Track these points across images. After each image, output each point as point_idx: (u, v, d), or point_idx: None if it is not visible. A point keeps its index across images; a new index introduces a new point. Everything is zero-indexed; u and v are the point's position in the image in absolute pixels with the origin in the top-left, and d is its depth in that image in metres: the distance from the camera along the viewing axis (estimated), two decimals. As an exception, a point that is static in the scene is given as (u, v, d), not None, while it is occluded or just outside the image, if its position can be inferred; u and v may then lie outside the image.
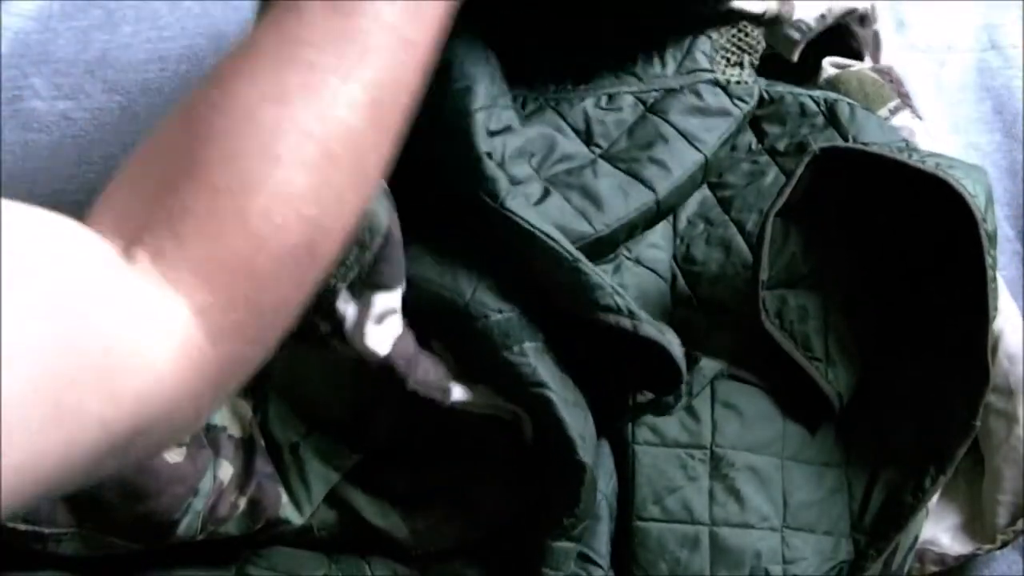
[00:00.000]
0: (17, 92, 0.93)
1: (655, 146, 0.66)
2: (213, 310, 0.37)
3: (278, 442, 0.61)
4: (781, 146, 0.70)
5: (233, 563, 0.61)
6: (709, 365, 0.64)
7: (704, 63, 0.70)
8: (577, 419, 0.58)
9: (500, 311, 0.58)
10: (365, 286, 0.55)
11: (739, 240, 0.68)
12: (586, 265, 0.59)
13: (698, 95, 0.68)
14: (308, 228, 0.39)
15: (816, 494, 0.65)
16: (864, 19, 0.76)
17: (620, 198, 0.64)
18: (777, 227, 0.63)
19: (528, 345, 0.58)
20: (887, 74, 0.78)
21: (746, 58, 0.70)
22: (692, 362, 0.64)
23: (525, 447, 0.61)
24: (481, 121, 0.61)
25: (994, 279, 0.61)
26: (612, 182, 0.64)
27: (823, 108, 0.71)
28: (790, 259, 0.65)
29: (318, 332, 0.56)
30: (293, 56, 0.40)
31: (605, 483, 0.63)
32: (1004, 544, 0.68)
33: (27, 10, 0.95)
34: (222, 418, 0.60)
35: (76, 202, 0.88)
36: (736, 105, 0.69)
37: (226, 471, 0.58)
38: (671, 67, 0.69)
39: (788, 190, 0.61)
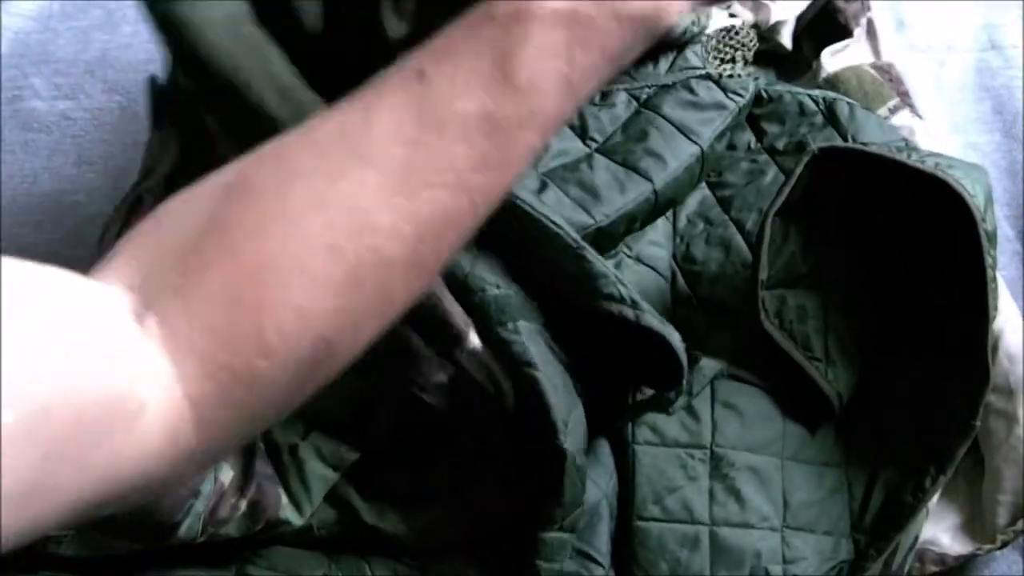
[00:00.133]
0: (17, 92, 0.93)
1: (650, 139, 0.66)
2: (207, 402, 0.37)
3: (277, 444, 0.61)
4: (780, 145, 0.70)
5: (233, 563, 0.61)
6: (709, 365, 0.64)
7: (696, 62, 0.70)
8: (563, 404, 0.57)
9: (498, 286, 0.58)
10: None
11: (739, 239, 0.68)
12: (590, 253, 0.59)
13: (691, 90, 0.69)
14: (319, 347, 0.38)
15: (816, 494, 0.65)
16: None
17: (617, 189, 0.64)
18: (776, 227, 0.63)
19: (522, 324, 0.58)
20: (887, 72, 0.78)
21: (738, 54, 0.70)
22: (692, 362, 0.64)
23: (521, 445, 0.61)
24: None
25: (994, 279, 0.61)
26: (608, 175, 0.65)
27: (822, 107, 0.71)
28: (789, 259, 0.65)
29: None
30: (347, 168, 0.38)
31: (605, 483, 0.63)
32: (1004, 544, 0.68)
33: (27, 10, 0.95)
34: (222, 420, 0.60)
35: (76, 202, 0.89)
36: (731, 98, 0.69)
37: (227, 473, 0.58)
38: (663, 66, 0.70)
39: (787, 190, 0.61)
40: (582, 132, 0.68)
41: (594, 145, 0.67)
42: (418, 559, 0.63)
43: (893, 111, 0.75)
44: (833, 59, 0.77)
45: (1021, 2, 0.90)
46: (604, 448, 0.64)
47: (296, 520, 0.60)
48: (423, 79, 0.38)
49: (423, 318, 0.57)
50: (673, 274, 0.68)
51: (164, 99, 0.66)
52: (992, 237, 0.60)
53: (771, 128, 0.71)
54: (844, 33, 0.77)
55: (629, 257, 0.68)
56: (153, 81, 0.66)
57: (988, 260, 0.59)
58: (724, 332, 0.66)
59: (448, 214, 0.39)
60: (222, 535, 0.58)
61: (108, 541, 0.57)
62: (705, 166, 0.68)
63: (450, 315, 0.57)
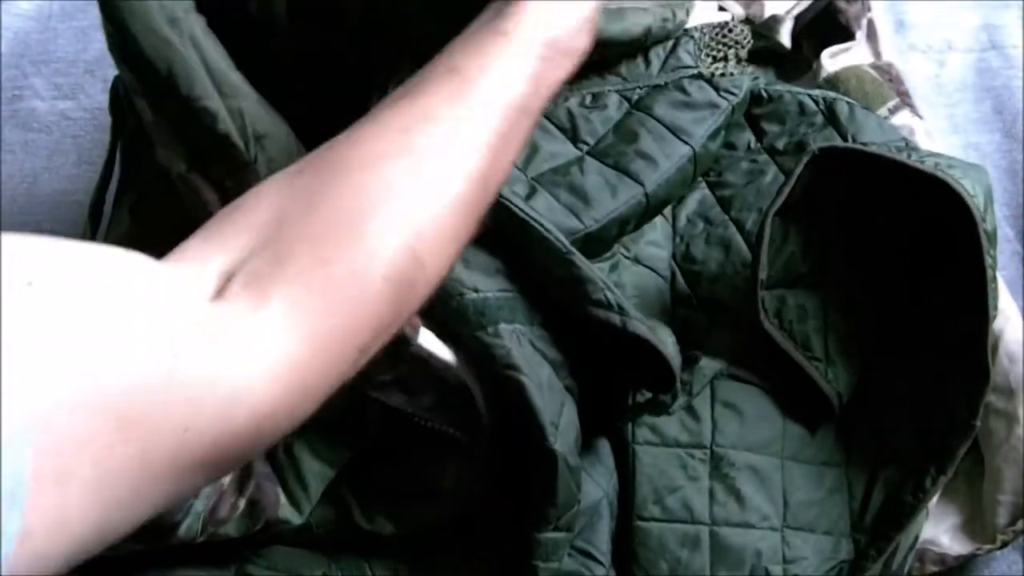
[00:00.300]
0: (17, 92, 0.93)
1: (641, 140, 0.66)
2: (308, 319, 0.39)
3: (273, 443, 0.61)
4: (780, 145, 0.70)
5: (233, 563, 0.61)
6: (709, 365, 0.64)
7: (688, 60, 0.69)
8: (551, 405, 0.57)
9: (476, 290, 0.58)
10: None
11: (738, 239, 0.68)
12: (578, 258, 0.58)
13: (683, 90, 0.68)
14: (409, 266, 0.42)
15: (816, 494, 0.65)
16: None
17: (607, 193, 0.64)
18: (776, 226, 0.63)
19: (503, 327, 0.57)
20: (887, 72, 0.77)
21: (730, 52, 0.70)
22: (692, 362, 0.64)
23: (509, 446, 0.60)
24: None
25: (994, 279, 0.61)
26: (599, 178, 0.64)
27: (822, 107, 0.71)
28: (789, 258, 0.65)
29: None
30: (413, 126, 0.44)
31: (606, 482, 0.63)
32: (1004, 544, 0.68)
33: (27, 10, 0.95)
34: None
35: (76, 202, 0.88)
36: (723, 97, 0.68)
37: (226, 473, 0.58)
38: (655, 65, 0.69)
39: (787, 189, 0.61)
40: (573, 135, 0.67)
41: (585, 148, 0.67)
42: (418, 559, 0.63)
43: (893, 111, 0.75)
44: (833, 60, 0.77)
45: (1021, 2, 0.90)
46: (604, 448, 0.64)
47: (295, 519, 0.60)
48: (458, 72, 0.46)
49: None
50: (673, 274, 0.68)
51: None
52: (992, 237, 0.60)
53: (771, 128, 0.71)
54: (846, 35, 0.77)
55: (627, 258, 0.67)
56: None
57: (988, 260, 0.59)
58: (724, 332, 0.66)
59: (496, 165, 0.46)
60: (221, 535, 0.58)
61: (108, 541, 0.57)
62: (698, 166, 0.68)
63: None
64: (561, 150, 0.66)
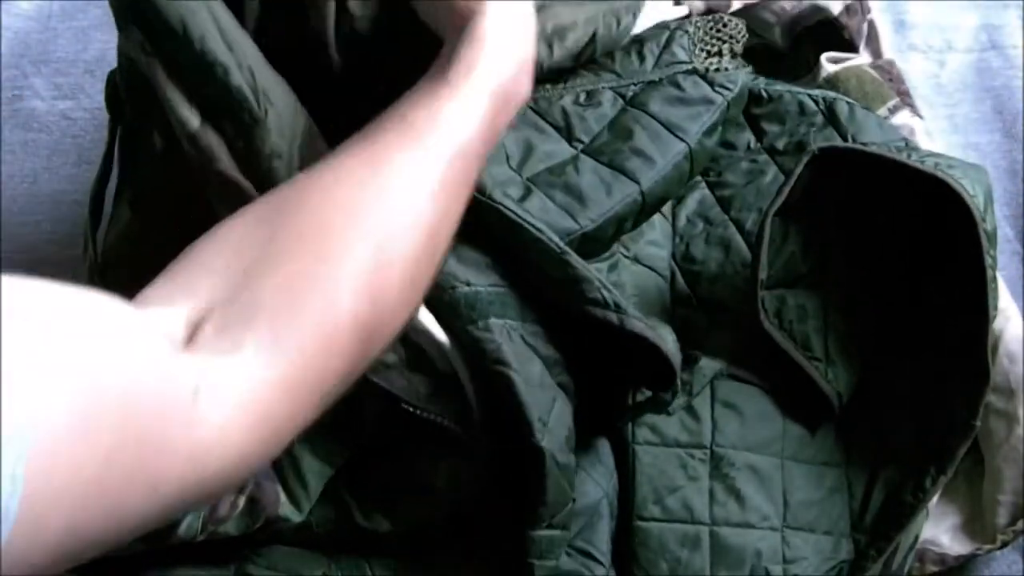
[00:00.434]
0: (17, 92, 0.93)
1: (636, 137, 0.65)
2: (279, 366, 0.40)
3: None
4: (780, 145, 0.70)
5: (233, 562, 0.61)
6: (709, 365, 0.64)
7: (682, 56, 0.69)
8: (540, 402, 0.57)
9: (468, 284, 0.58)
10: None
11: (738, 239, 0.68)
12: (574, 258, 0.58)
13: (677, 86, 0.68)
14: (371, 323, 0.44)
15: (816, 494, 0.65)
16: (849, 8, 0.76)
17: (603, 192, 0.63)
18: (776, 226, 0.63)
19: (494, 321, 0.57)
20: (887, 71, 0.77)
21: (725, 47, 0.70)
22: (692, 362, 0.64)
23: (502, 443, 0.60)
24: None
25: (994, 279, 0.61)
26: (594, 177, 0.64)
27: (822, 107, 0.71)
28: (789, 258, 0.65)
29: None
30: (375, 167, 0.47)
31: (606, 482, 0.63)
32: (1004, 544, 0.68)
33: (27, 10, 0.95)
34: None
35: (76, 202, 0.88)
36: (718, 92, 0.68)
37: (226, 471, 0.58)
38: (650, 61, 0.69)
39: (787, 189, 0.61)
40: (568, 134, 0.66)
41: (580, 146, 0.66)
42: (418, 559, 0.63)
43: (893, 111, 0.75)
44: (833, 63, 0.77)
45: (1021, 2, 0.90)
46: (604, 448, 0.64)
47: (295, 517, 0.60)
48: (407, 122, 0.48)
49: None
50: (672, 274, 0.68)
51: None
52: (992, 237, 0.60)
53: (771, 128, 0.71)
54: (849, 48, 0.77)
55: (627, 258, 0.67)
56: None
57: (988, 260, 0.59)
58: (724, 332, 0.66)
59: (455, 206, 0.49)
60: (221, 533, 0.58)
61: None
62: (695, 163, 0.67)
63: None
64: (556, 149, 0.65)
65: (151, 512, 0.36)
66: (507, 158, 0.64)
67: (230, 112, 0.57)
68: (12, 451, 0.30)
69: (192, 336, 0.40)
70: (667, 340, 0.58)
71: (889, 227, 0.67)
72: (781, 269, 0.65)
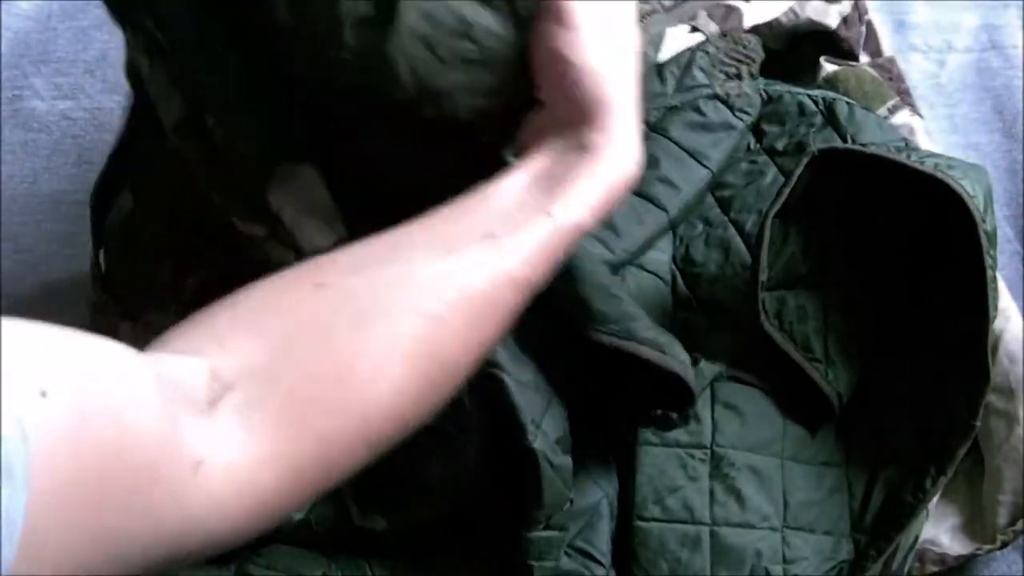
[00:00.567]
0: (17, 92, 0.93)
1: (661, 165, 0.66)
2: (290, 455, 0.39)
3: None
4: (780, 146, 0.70)
5: (233, 562, 0.61)
6: (709, 367, 0.64)
7: (702, 79, 0.69)
8: (533, 405, 0.56)
9: None
10: None
11: (738, 241, 0.68)
12: (624, 294, 0.59)
13: (699, 111, 0.68)
14: (400, 426, 0.43)
15: (816, 494, 0.65)
16: (847, 20, 0.76)
17: (635, 222, 0.64)
18: (776, 228, 0.63)
19: None
20: (887, 70, 0.77)
21: (744, 69, 0.70)
22: (692, 364, 0.64)
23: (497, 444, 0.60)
24: None
25: (994, 279, 0.61)
26: (625, 206, 0.64)
27: (822, 107, 0.71)
28: (789, 259, 0.65)
29: None
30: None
31: (606, 482, 0.63)
32: (1004, 544, 0.68)
33: (27, 10, 0.95)
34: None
35: (76, 202, 0.88)
36: (738, 118, 0.69)
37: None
38: (671, 84, 0.69)
39: (787, 191, 0.61)
40: None
41: None
42: (418, 559, 0.63)
43: (893, 110, 0.75)
44: (830, 59, 0.77)
45: (1021, 2, 0.90)
46: (604, 448, 0.64)
47: (295, 515, 0.60)
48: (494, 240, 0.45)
49: None
50: (673, 276, 0.68)
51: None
52: (992, 237, 0.60)
53: (771, 129, 0.71)
54: (849, 56, 0.77)
55: (632, 265, 0.67)
56: None
57: (988, 260, 0.59)
58: (724, 333, 0.66)
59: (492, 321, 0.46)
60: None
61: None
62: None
63: None
64: None
65: (140, 570, 0.35)
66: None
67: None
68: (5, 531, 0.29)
69: (215, 400, 0.38)
70: (691, 375, 0.58)
71: (889, 227, 0.67)
72: (781, 270, 0.65)
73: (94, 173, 0.89)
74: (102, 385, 0.34)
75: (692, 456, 0.64)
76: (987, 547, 0.68)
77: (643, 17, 0.63)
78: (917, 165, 0.59)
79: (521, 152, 0.50)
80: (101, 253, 0.67)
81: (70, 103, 0.92)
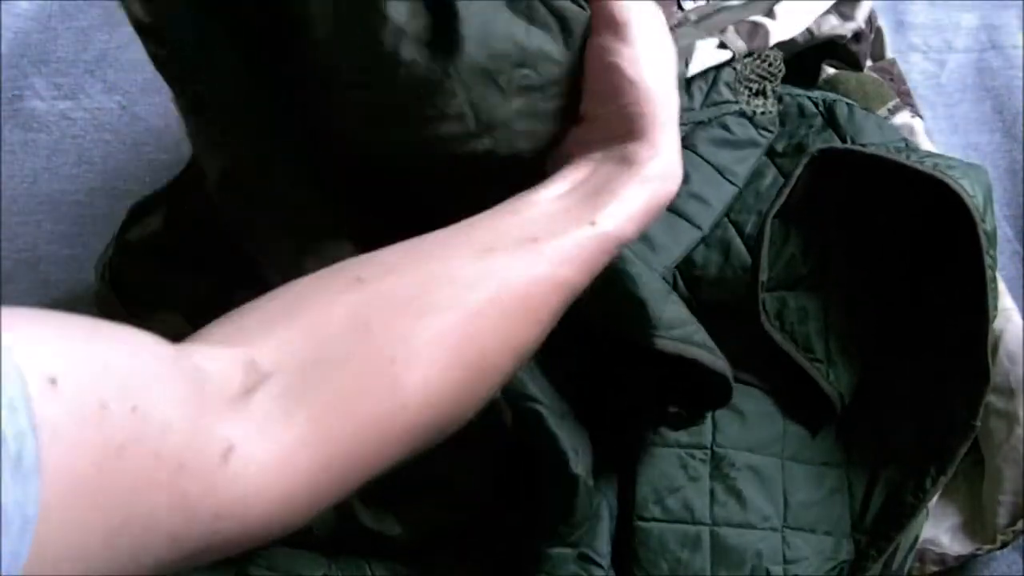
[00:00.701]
0: (17, 92, 0.93)
1: (692, 182, 0.66)
2: (324, 449, 0.39)
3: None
4: (780, 147, 0.70)
5: (233, 563, 0.61)
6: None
7: (728, 95, 0.69)
8: (569, 432, 0.57)
9: None
10: None
11: (738, 242, 0.68)
12: (676, 297, 0.59)
13: (726, 128, 0.68)
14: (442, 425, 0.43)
15: (817, 494, 0.65)
16: (859, 36, 0.75)
17: (670, 238, 0.65)
18: (776, 228, 0.63)
19: None
20: (888, 71, 0.77)
21: (768, 86, 0.70)
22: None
23: (498, 430, 0.60)
24: None
25: (994, 279, 0.61)
26: (661, 223, 0.64)
27: (822, 109, 0.71)
28: (789, 260, 0.65)
29: None
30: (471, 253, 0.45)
31: (606, 483, 0.63)
32: (1004, 544, 0.68)
33: (27, 10, 0.95)
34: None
35: (76, 202, 0.88)
36: (762, 135, 0.69)
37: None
38: (698, 99, 0.69)
39: (787, 192, 0.61)
40: None
41: None
42: (417, 560, 0.63)
43: (893, 111, 0.75)
44: (832, 64, 0.77)
45: (1021, 2, 0.90)
46: (604, 450, 0.64)
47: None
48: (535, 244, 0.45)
49: None
50: (674, 278, 0.68)
51: None
52: (992, 237, 0.60)
53: (771, 130, 0.71)
54: (856, 68, 0.77)
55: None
56: None
57: (988, 260, 0.59)
58: (725, 335, 0.66)
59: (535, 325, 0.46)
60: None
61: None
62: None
63: None
64: None
65: (166, 562, 0.34)
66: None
67: None
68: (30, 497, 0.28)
69: (250, 389, 0.38)
70: (730, 375, 0.58)
71: (889, 228, 0.67)
72: (781, 271, 0.65)
73: (94, 173, 0.90)
74: (119, 371, 0.33)
75: (693, 456, 0.64)
76: (987, 547, 0.68)
77: (671, 30, 0.63)
78: (917, 165, 0.59)
79: (561, 164, 0.51)
80: (111, 257, 0.67)
81: (70, 103, 0.92)
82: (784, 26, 0.70)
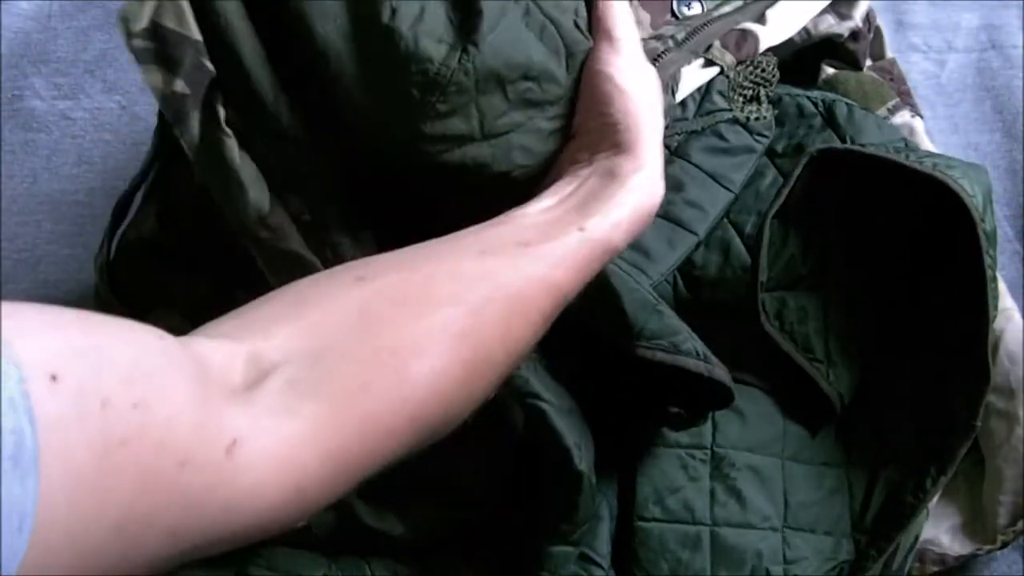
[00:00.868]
0: (17, 92, 0.93)
1: (687, 189, 0.66)
2: (331, 441, 0.39)
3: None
4: (779, 148, 0.70)
5: (233, 563, 0.61)
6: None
7: (722, 103, 0.69)
8: (572, 428, 0.57)
9: None
10: None
11: (738, 243, 0.67)
12: (666, 308, 0.59)
13: (720, 136, 0.68)
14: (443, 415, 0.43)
15: (817, 494, 0.65)
16: (857, 35, 0.75)
17: (665, 245, 0.65)
18: (776, 229, 0.63)
19: None
20: (888, 71, 0.77)
21: (762, 91, 0.70)
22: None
23: (509, 431, 0.60)
24: None
25: (994, 279, 0.61)
26: (655, 231, 0.65)
27: (821, 109, 0.71)
28: (789, 260, 0.65)
29: None
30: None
31: (606, 484, 0.63)
32: (1004, 544, 0.68)
33: (27, 10, 0.95)
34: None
35: (76, 202, 0.88)
36: (757, 140, 0.69)
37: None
38: (691, 109, 0.69)
39: (786, 192, 0.61)
40: None
41: None
42: (418, 560, 0.63)
43: (893, 111, 0.75)
44: (832, 64, 0.77)
45: (1021, 2, 0.90)
46: (604, 450, 0.64)
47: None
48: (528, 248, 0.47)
49: None
50: (675, 279, 0.68)
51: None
52: (991, 237, 0.60)
53: (770, 131, 0.71)
54: (855, 67, 0.77)
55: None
56: None
57: (987, 260, 0.59)
58: (725, 335, 0.66)
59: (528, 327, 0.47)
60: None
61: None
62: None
63: None
64: None
65: (167, 556, 0.35)
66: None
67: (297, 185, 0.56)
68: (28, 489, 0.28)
69: (254, 383, 0.38)
70: (729, 376, 0.58)
71: (889, 227, 0.67)
72: (781, 271, 0.65)
73: (94, 173, 0.90)
74: (121, 366, 0.33)
75: (693, 456, 0.64)
76: (987, 547, 0.68)
77: (656, 58, 0.63)
78: (916, 165, 0.59)
79: (551, 184, 0.53)
80: (110, 257, 0.67)
81: (70, 103, 0.92)
82: (774, 31, 0.70)
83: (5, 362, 0.29)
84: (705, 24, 0.67)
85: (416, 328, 0.42)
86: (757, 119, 0.69)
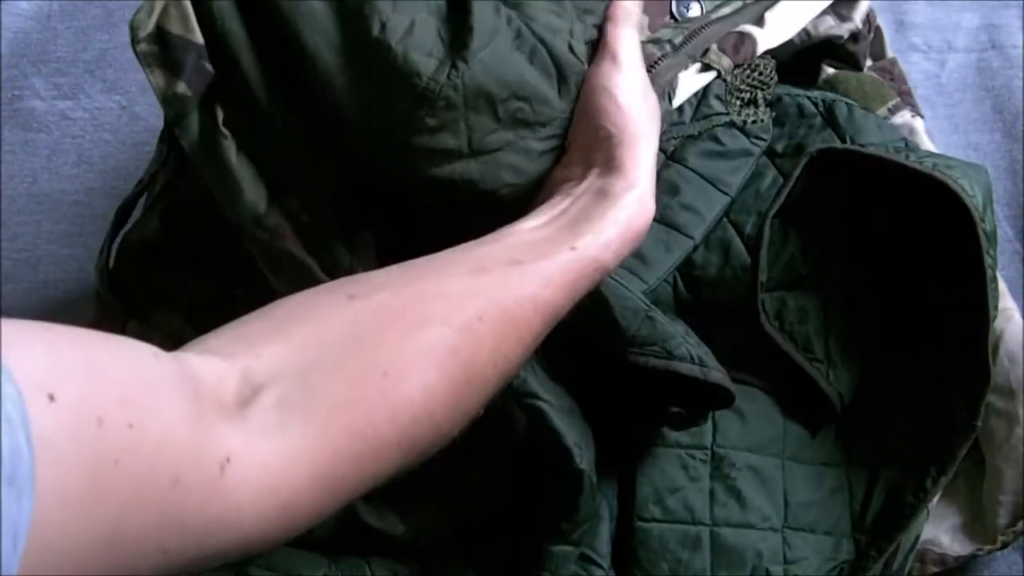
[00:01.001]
0: (17, 92, 0.93)
1: (683, 193, 0.66)
2: (321, 460, 0.39)
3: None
4: (779, 148, 0.70)
5: (233, 563, 0.61)
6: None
7: (718, 107, 0.69)
8: (573, 427, 0.57)
9: None
10: None
11: (738, 243, 0.67)
12: (658, 314, 0.59)
13: (716, 140, 0.68)
14: (432, 431, 0.44)
15: (817, 494, 0.65)
16: (856, 36, 0.75)
17: (661, 249, 0.65)
18: (776, 229, 0.63)
19: None
20: (888, 71, 0.77)
21: (759, 94, 0.70)
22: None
23: (510, 432, 0.60)
24: None
25: (994, 279, 0.61)
26: (651, 235, 0.64)
27: (821, 109, 0.71)
28: (789, 260, 0.65)
29: None
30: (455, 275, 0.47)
31: (606, 484, 0.63)
32: (1005, 545, 0.67)
33: (27, 10, 0.95)
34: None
35: (76, 202, 0.88)
36: (755, 144, 0.69)
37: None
38: (688, 113, 0.69)
39: (786, 192, 0.61)
40: None
41: None
42: (418, 560, 0.63)
43: (893, 111, 0.75)
44: (832, 64, 0.76)
45: (1021, 2, 0.90)
46: (604, 449, 0.64)
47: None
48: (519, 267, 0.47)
49: None
50: (675, 280, 0.68)
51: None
52: (991, 237, 0.60)
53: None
54: (855, 67, 0.77)
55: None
56: None
57: (988, 260, 0.59)
58: (725, 335, 0.66)
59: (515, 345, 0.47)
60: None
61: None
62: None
63: None
64: None
65: (159, 573, 0.35)
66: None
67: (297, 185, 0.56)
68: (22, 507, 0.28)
69: (246, 400, 0.38)
70: (727, 378, 0.59)
71: (889, 227, 0.67)
72: (781, 271, 0.65)
73: (94, 173, 0.90)
74: (117, 384, 0.33)
75: (693, 457, 0.64)
76: (987, 547, 0.68)
77: (652, 65, 0.63)
78: (916, 165, 0.59)
79: (542, 199, 0.53)
80: (111, 258, 0.67)
81: (70, 103, 0.92)
82: (772, 33, 0.70)
83: (4, 381, 0.29)
84: (703, 27, 0.67)
85: (406, 347, 0.43)
86: (754, 122, 0.69)
